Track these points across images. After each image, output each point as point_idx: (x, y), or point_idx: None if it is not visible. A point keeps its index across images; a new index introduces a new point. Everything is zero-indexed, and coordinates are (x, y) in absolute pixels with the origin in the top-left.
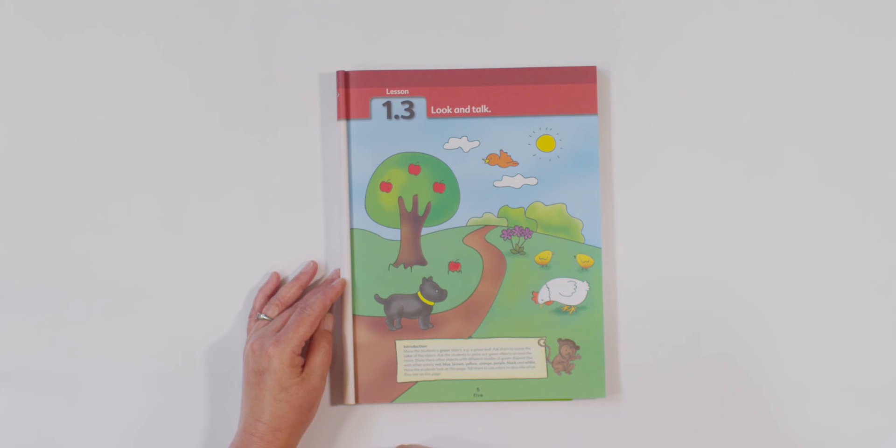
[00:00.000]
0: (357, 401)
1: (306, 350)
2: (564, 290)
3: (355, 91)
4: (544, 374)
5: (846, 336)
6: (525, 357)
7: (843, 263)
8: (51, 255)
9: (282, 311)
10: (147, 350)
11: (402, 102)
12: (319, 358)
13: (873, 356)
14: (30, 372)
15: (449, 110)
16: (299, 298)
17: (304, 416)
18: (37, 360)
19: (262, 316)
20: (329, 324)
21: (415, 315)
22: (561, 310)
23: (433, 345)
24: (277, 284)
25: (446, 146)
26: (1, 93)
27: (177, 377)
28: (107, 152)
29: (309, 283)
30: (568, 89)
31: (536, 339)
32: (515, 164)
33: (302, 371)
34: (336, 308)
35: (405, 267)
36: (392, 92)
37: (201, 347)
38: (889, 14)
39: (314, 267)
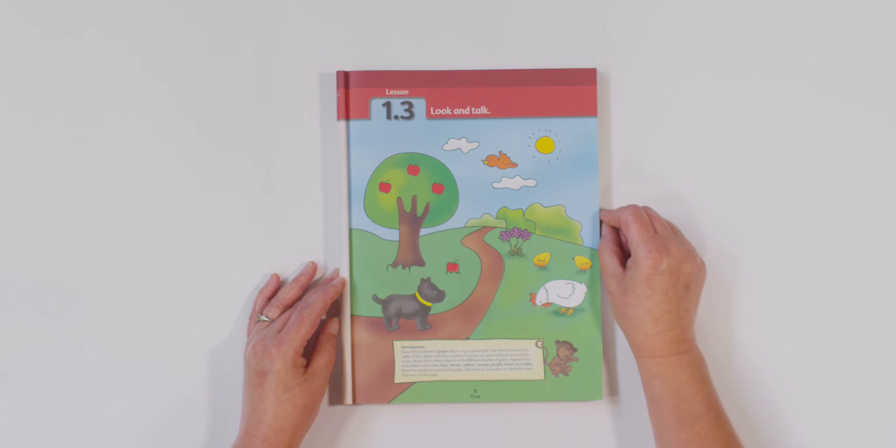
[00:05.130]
0: (355, 401)
1: (309, 351)
2: (562, 292)
3: (355, 91)
4: (542, 376)
5: (846, 336)
6: (522, 359)
7: (842, 263)
8: (51, 255)
9: (282, 313)
10: (147, 351)
11: (402, 103)
12: (323, 360)
13: (873, 356)
14: (30, 372)
15: (448, 111)
16: (299, 299)
17: (306, 417)
18: (37, 360)
19: (263, 317)
20: (335, 328)
21: (413, 316)
22: (559, 312)
23: (431, 345)
24: (277, 286)
25: (445, 147)
26: (1, 93)
27: (177, 378)
28: (107, 153)
29: (309, 284)
30: (568, 91)
31: (534, 341)
32: (514, 165)
33: (305, 372)
34: (334, 308)
35: (403, 267)
36: (392, 92)
37: (201, 348)
38: (889, 14)
39: (313, 267)
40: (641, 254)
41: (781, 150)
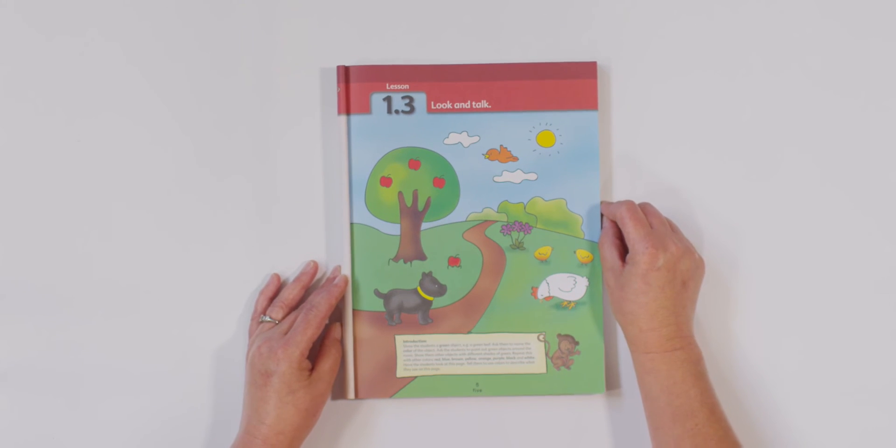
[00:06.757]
0: (357, 396)
1: (314, 355)
2: (564, 286)
3: (356, 86)
4: (543, 370)
5: (845, 333)
6: (524, 352)
7: (841, 261)
8: (51, 255)
9: (287, 313)
10: (147, 351)
11: (403, 97)
12: (328, 364)
13: (873, 356)
14: (30, 372)
15: (449, 105)
16: (302, 299)
17: (308, 420)
18: (37, 360)
19: (267, 318)
20: (338, 332)
21: (414, 310)
22: (560, 305)
23: (433, 340)
24: (278, 286)
25: (446, 141)
26: (1, 93)
27: (177, 378)
28: (107, 152)
29: (310, 283)
30: (568, 85)
31: (536, 335)
32: (515, 159)
33: (310, 375)
34: (337, 306)
35: (405, 262)
36: (392, 87)
37: (201, 348)
38: (889, 14)
39: (314, 267)
40: (639, 249)
41: (782, 147)
